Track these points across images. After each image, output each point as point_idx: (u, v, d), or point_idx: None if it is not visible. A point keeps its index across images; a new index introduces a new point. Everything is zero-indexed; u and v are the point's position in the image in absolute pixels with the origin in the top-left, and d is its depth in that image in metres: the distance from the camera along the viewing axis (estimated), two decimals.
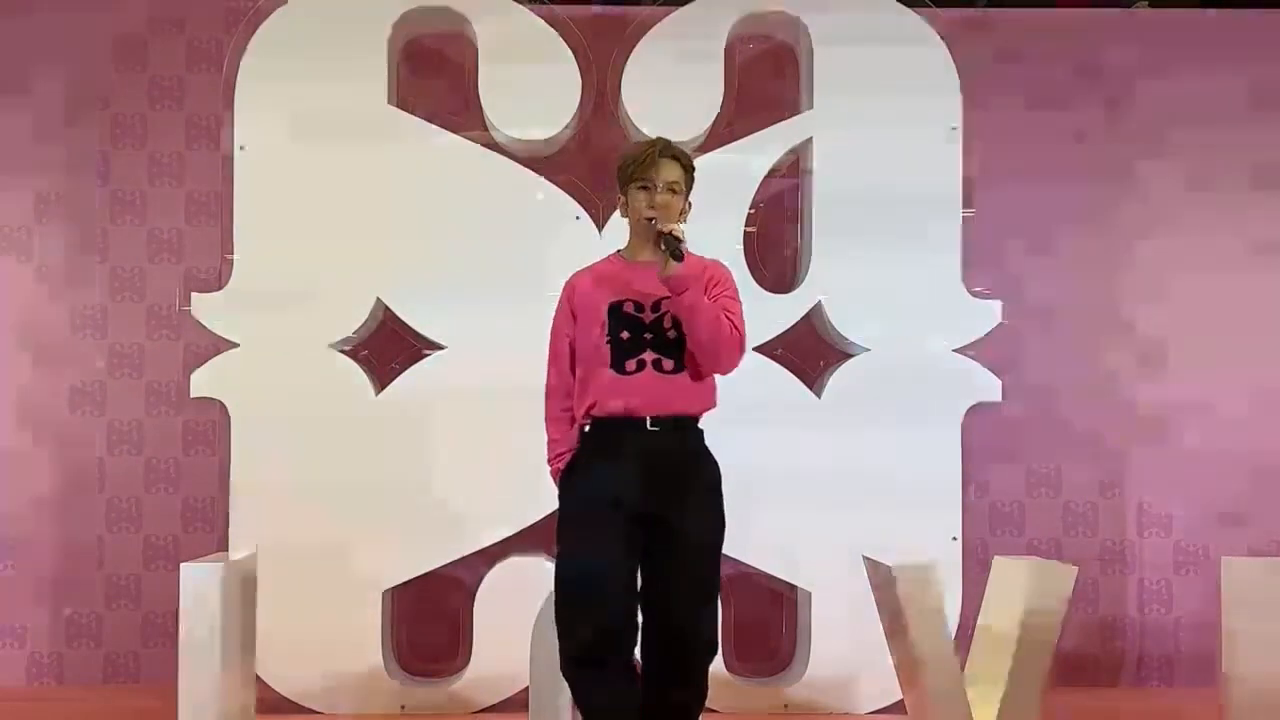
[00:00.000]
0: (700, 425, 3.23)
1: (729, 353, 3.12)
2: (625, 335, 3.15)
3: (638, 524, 3.10)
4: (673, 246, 3.06)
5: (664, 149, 3.21)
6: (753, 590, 5.04)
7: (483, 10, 4.87)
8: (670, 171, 3.18)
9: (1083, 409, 5.37)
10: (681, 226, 3.13)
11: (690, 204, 3.28)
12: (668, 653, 3.14)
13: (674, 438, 3.15)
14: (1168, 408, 5.38)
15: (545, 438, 3.32)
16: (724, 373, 3.19)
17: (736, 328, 3.14)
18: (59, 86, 5.27)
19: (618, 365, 3.14)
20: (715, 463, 3.23)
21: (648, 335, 3.15)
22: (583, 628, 3.09)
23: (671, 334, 3.15)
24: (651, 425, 3.12)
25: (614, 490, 3.11)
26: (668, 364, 3.15)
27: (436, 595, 5.05)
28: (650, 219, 3.14)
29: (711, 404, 3.23)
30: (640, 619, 3.15)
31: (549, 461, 3.31)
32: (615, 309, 3.17)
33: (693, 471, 3.18)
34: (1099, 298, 5.40)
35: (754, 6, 4.91)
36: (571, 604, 3.12)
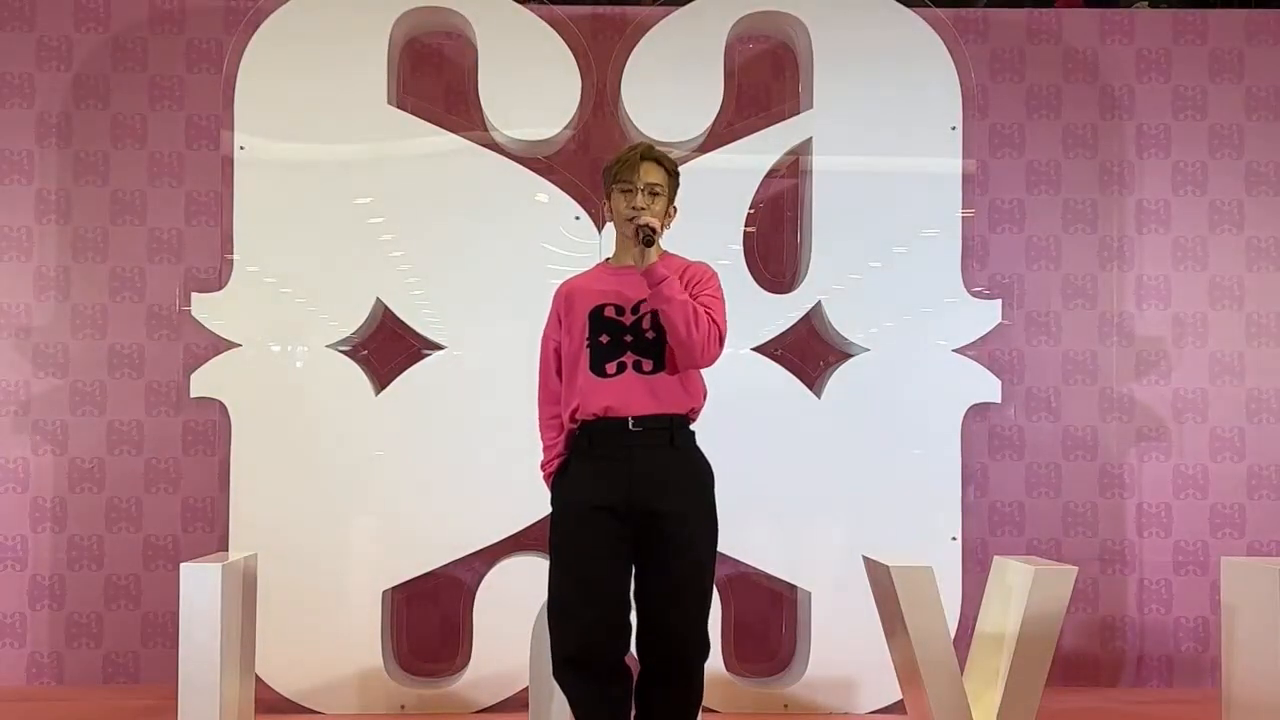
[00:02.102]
0: (690, 425, 3.24)
1: (704, 345, 3.11)
2: (605, 339, 3.18)
3: (627, 525, 3.11)
4: (645, 235, 3.10)
5: (645, 152, 3.24)
6: (753, 590, 5.05)
7: (483, 10, 4.87)
8: (651, 174, 3.21)
9: (1083, 409, 5.37)
10: (655, 221, 3.15)
11: (676, 209, 3.31)
12: (661, 653, 3.15)
13: (658, 437, 3.15)
14: (1167, 408, 5.39)
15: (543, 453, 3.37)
16: (701, 366, 3.19)
17: (715, 321, 3.14)
18: (59, 86, 5.27)
19: (597, 368, 3.16)
20: (705, 462, 3.24)
21: (628, 337, 3.17)
22: (572, 630, 3.10)
23: (651, 335, 3.16)
24: (634, 426, 3.13)
25: (601, 492, 3.12)
26: (647, 365, 3.16)
27: (436, 595, 5.06)
28: (631, 218, 3.16)
29: (697, 403, 3.24)
30: (634, 619, 3.16)
31: (541, 467, 3.35)
32: (596, 313, 3.19)
33: (680, 471, 3.18)
34: (1099, 298, 5.40)
35: (754, 6, 4.90)
36: (562, 607, 3.13)
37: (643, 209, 3.17)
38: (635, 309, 3.18)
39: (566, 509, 3.18)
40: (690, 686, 3.19)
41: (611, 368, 3.16)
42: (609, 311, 3.19)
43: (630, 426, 3.13)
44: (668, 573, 3.12)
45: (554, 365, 3.32)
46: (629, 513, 3.11)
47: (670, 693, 3.17)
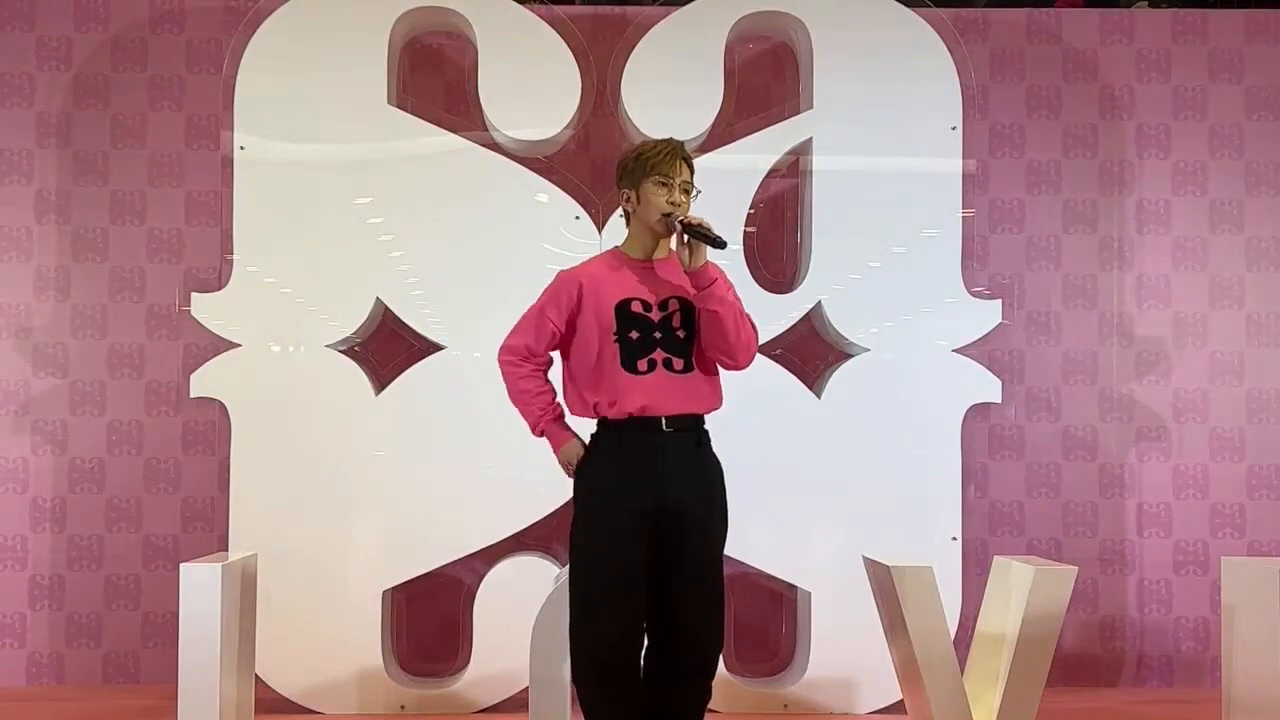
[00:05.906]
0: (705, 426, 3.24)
1: (749, 345, 3.15)
2: (634, 335, 3.13)
3: (650, 525, 3.10)
4: (708, 235, 3.04)
5: (680, 150, 3.18)
6: (753, 590, 5.05)
7: (483, 10, 4.87)
8: (685, 172, 3.16)
9: (1083, 409, 5.37)
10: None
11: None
12: (681, 652, 3.14)
13: (688, 438, 3.15)
14: (1167, 408, 5.38)
15: (526, 408, 3.20)
16: (742, 367, 3.19)
17: (752, 324, 3.17)
18: (59, 86, 5.27)
19: (629, 365, 3.12)
20: (719, 461, 3.24)
21: (657, 334, 3.13)
22: (602, 634, 3.08)
23: (681, 333, 3.14)
24: (667, 426, 3.11)
25: (631, 494, 3.09)
26: (678, 363, 3.13)
27: (436, 595, 5.05)
28: (669, 214, 3.11)
29: (720, 403, 3.23)
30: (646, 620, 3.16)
31: (536, 418, 3.19)
32: (622, 308, 3.14)
33: (704, 472, 3.19)
34: (1099, 298, 5.40)
35: (754, 6, 4.90)
36: (591, 610, 3.10)
37: (679, 205, 3.12)
38: (663, 305, 3.14)
39: (595, 510, 3.14)
40: (708, 682, 3.19)
41: (643, 365, 3.11)
42: (636, 307, 3.14)
43: (664, 428, 3.11)
44: (693, 571, 3.11)
45: (548, 345, 3.19)
46: (656, 513, 3.09)
47: (689, 690, 3.17)
